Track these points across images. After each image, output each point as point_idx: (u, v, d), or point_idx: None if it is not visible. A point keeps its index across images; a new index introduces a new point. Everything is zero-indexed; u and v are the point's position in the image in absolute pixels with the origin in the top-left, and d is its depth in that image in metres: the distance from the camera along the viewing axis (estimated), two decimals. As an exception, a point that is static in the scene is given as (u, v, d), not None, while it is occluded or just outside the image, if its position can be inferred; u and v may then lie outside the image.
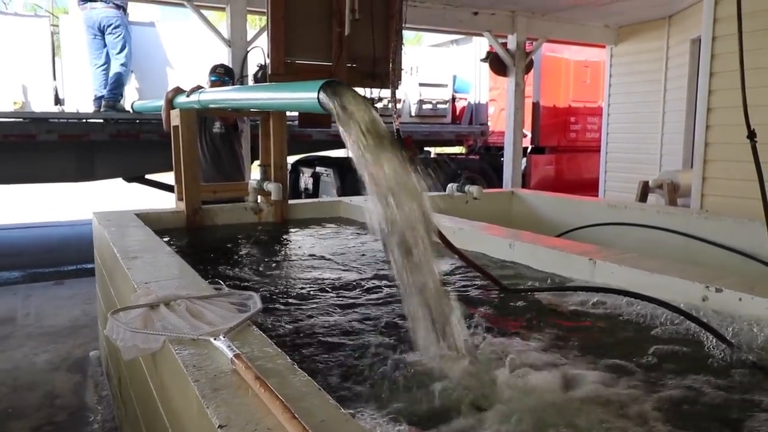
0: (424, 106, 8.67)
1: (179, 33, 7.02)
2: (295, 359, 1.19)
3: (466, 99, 9.43)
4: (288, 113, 3.99)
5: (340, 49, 3.63)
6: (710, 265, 2.77)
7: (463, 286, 2.19)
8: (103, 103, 6.11)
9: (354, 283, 2.30)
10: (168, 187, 6.41)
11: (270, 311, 1.92)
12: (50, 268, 5.78)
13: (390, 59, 3.65)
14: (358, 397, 1.32)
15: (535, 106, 9.70)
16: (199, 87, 3.58)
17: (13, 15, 6.79)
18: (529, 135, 9.58)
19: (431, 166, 8.05)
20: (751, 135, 2.45)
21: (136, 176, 6.76)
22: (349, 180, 7.32)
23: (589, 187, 9.01)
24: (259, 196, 3.63)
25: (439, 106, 8.80)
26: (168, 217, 3.36)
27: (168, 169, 4.30)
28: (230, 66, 5.16)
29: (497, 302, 2.03)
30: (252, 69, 5.76)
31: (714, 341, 1.58)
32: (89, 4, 6.09)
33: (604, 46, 8.21)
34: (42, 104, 6.28)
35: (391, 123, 3.17)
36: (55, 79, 6.54)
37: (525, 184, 8.85)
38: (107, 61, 6.17)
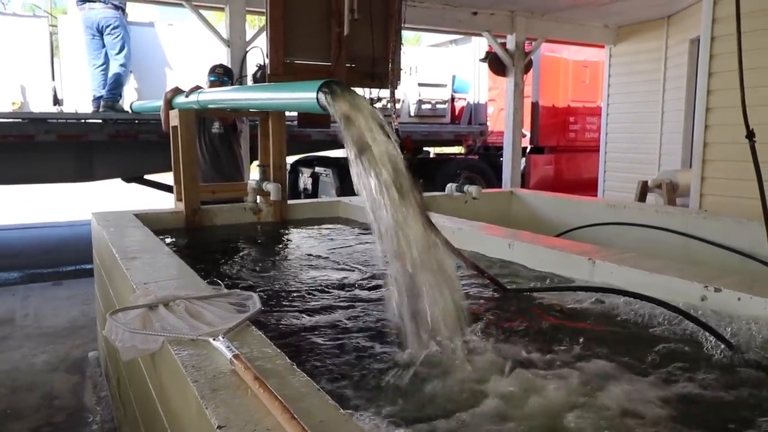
0: (423, 106, 8.67)
1: (178, 33, 7.02)
2: (294, 360, 1.19)
3: (465, 99, 9.43)
4: (287, 113, 3.98)
5: (339, 49, 3.63)
6: (709, 264, 2.77)
7: (463, 287, 2.19)
8: (102, 103, 6.11)
9: (353, 283, 2.30)
10: (167, 188, 6.40)
11: (269, 312, 1.91)
12: (49, 269, 5.78)
13: (389, 59, 3.65)
14: (355, 398, 1.32)
15: (534, 106, 9.71)
16: (198, 87, 3.58)
17: (12, 15, 6.79)
18: (528, 135, 9.59)
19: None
20: (750, 135, 2.45)
21: (134, 176, 6.76)
22: (348, 180, 7.31)
23: (588, 186, 9.02)
24: (258, 197, 3.63)
25: (438, 106, 8.81)
26: (167, 218, 3.36)
27: (167, 169, 4.29)
28: (229, 66, 5.16)
29: (496, 302, 2.03)
30: (251, 69, 5.76)
31: (713, 341, 1.58)
32: (88, 4, 6.09)
33: (603, 46, 8.22)
34: (41, 104, 6.27)
35: (391, 123, 3.17)
36: (53, 79, 6.53)
37: (524, 184, 8.85)
38: (106, 62, 6.16)
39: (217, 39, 5.56)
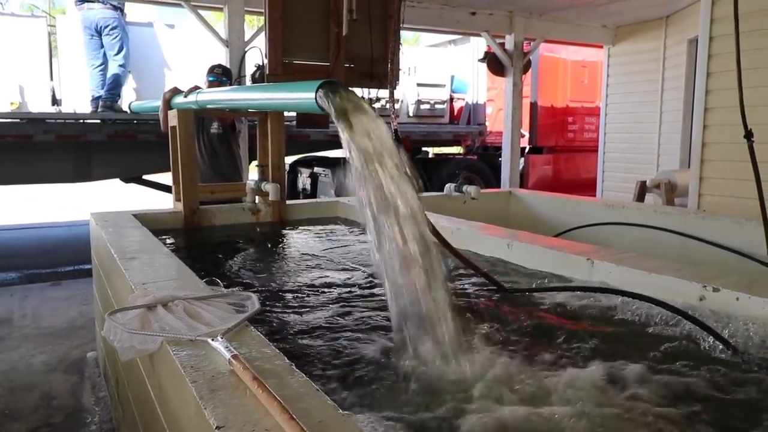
0: (422, 107, 8.68)
1: (177, 33, 7.01)
2: (293, 360, 1.19)
3: (463, 99, 9.44)
4: (286, 113, 3.98)
5: (338, 50, 3.63)
6: (708, 264, 2.77)
7: (461, 287, 2.19)
8: (101, 103, 6.10)
9: (352, 283, 2.30)
10: (165, 188, 6.40)
11: (268, 312, 1.91)
12: (47, 269, 5.77)
13: (388, 59, 3.65)
14: (354, 399, 1.32)
15: (533, 106, 9.71)
16: (196, 87, 3.57)
17: (10, 15, 6.77)
18: (527, 135, 9.59)
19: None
20: (748, 135, 2.46)
21: (133, 177, 6.75)
22: (346, 180, 7.31)
23: (586, 186, 9.03)
24: (256, 197, 3.63)
25: (437, 106, 8.81)
26: (165, 218, 3.35)
27: (165, 169, 4.29)
28: (228, 66, 5.16)
29: (495, 302, 2.03)
30: (250, 69, 5.76)
31: (712, 341, 1.58)
32: (86, 4, 6.09)
33: (601, 47, 8.23)
34: (39, 105, 6.27)
35: (390, 123, 3.17)
36: (52, 79, 6.53)
37: (523, 184, 8.85)
38: (104, 62, 6.16)
39: (216, 39, 5.56)
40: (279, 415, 0.92)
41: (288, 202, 3.73)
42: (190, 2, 5.49)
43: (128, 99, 6.37)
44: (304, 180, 8.56)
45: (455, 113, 9.35)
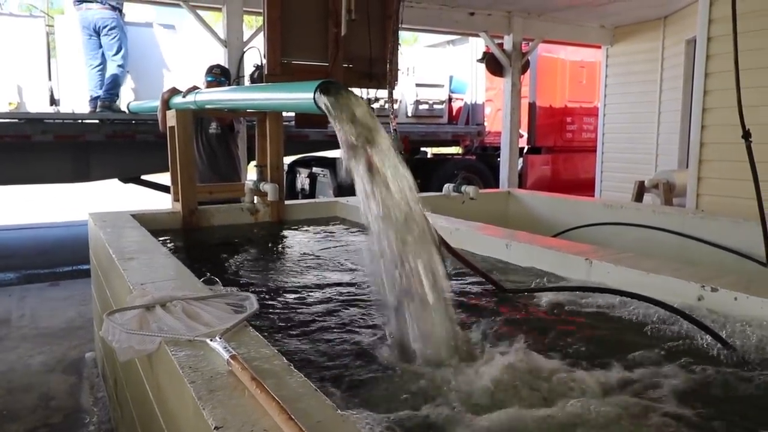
0: (421, 107, 8.68)
1: (175, 34, 7.01)
2: (292, 360, 1.19)
3: (462, 99, 9.44)
4: (285, 113, 3.98)
5: (337, 50, 3.63)
6: (706, 264, 2.77)
7: (460, 287, 2.20)
8: (99, 103, 6.10)
9: (351, 283, 2.30)
10: (164, 188, 6.40)
11: (267, 312, 1.91)
12: (45, 270, 5.76)
13: (387, 60, 3.66)
14: (353, 399, 1.32)
15: (532, 106, 9.72)
16: (195, 87, 3.57)
17: (8, 15, 6.77)
18: (526, 135, 9.60)
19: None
20: (746, 135, 2.46)
21: (132, 177, 6.75)
22: (345, 180, 7.31)
23: (585, 187, 9.04)
24: (255, 197, 3.62)
25: (435, 106, 8.81)
26: (164, 218, 3.35)
27: (164, 169, 4.29)
28: (226, 66, 5.15)
29: (494, 302, 2.04)
30: (248, 69, 5.76)
31: (710, 340, 1.58)
32: (85, 4, 6.08)
33: (600, 47, 8.24)
34: (37, 105, 6.26)
35: (388, 123, 3.17)
36: (50, 79, 6.53)
37: (521, 185, 8.86)
38: (103, 62, 6.16)
39: (215, 39, 5.55)
40: (277, 416, 0.92)
41: (287, 202, 3.73)
42: (189, 2, 5.49)
43: (127, 99, 6.37)
44: (302, 180, 8.56)
45: (454, 113, 9.36)
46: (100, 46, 6.14)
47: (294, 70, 3.58)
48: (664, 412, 1.26)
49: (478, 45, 8.98)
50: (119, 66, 6.14)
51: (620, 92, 7.93)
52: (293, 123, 5.82)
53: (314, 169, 8.26)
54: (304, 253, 2.86)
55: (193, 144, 3.50)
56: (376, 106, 5.57)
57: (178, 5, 5.59)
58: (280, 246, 3.25)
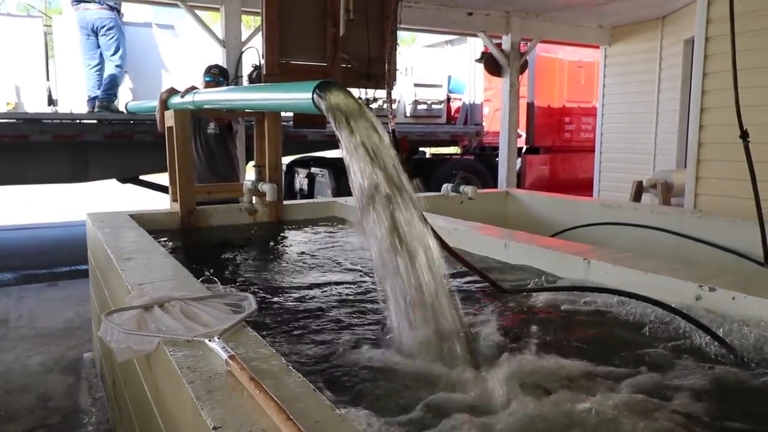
0: (419, 107, 8.68)
1: (174, 34, 7.00)
2: (290, 360, 1.19)
3: (461, 99, 9.45)
4: (283, 114, 3.98)
5: (335, 50, 3.63)
6: (704, 264, 2.78)
7: (459, 287, 2.20)
8: (97, 103, 6.09)
9: (350, 283, 2.30)
10: (162, 188, 6.39)
11: (265, 312, 1.91)
12: (43, 270, 5.75)
13: (386, 60, 3.65)
14: (352, 399, 1.32)
15: (530, 106, 9.73)
16: (193, 87, 3.57)
17: (6, 15, 6.74)
18: (524, 135, 9.61)
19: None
20: (744, 135, 2.47)
21: (130, 177, 6.74)
22: (344, 180, 7.31)
23: (583, 186, 9.04)
24: (254, 197, 3.62)
25: (434, 106, 8.81)
26: (162, 218, 3.35)
27: (162, 170, 4.28)
28: (225, 66, 5.15)
29: (492, 302, 2.04)
30: (247, 69, 5.76)
31: (709, 340, 1.58)
32: (83, 5, 6.07)
33: (598, 47, 8.25)
34: (35, 105, 6.25)
35: (387, 123, 3.17)
36: (48, 79, 6.51)
37: (520, 184, 8.86)
38: (101, 62, 6.15)
39: (213, 39, 5.55)
40: (276, 416, 0.92)
41: (285, 202, 3.73)
42: (187, 2, 5.48)
43: (125, 99, 6.36)
44: (301, 180, 8.56)
45: (452, 113, 9.36)
46: (98, 46, 6.13)
47: (292, 70, 3.57)
48: (663, 411, 1.26)
49: (476, 45, 8.98)
50: (117, 66, 6.13)
51: (618, 92, 7.94)
52: (291, 123, 5.81)
53: (313, 170, 8.26)
54: (303, 253, 2.86)
55: (191, 144, 3.50)
56: (374, 106, 5.58)
57: (176, 5, 5.59)
58: (279, 246, 3.25)
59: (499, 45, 7.22)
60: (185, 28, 6.98)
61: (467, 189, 4.11)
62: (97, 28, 6.06)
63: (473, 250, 2.66)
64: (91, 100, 6.16)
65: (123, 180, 6.78)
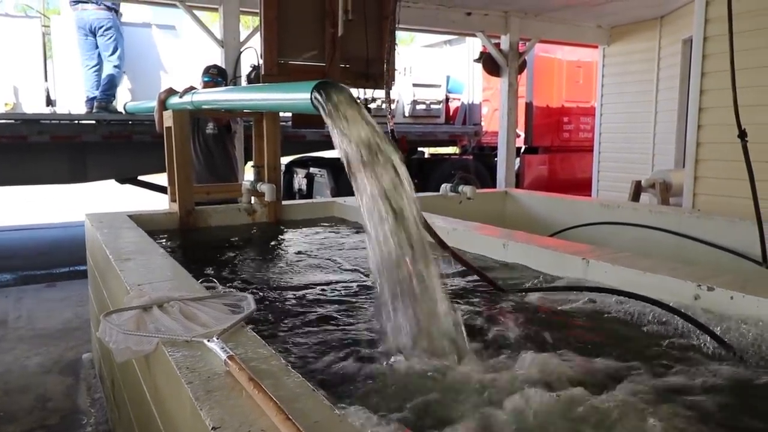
0: (418, 107, 8.68)
1: (172, 34, 6.99)
2: (289, 360, 1.19)
3: (459, 99, 9.45)
4: (282, 114, 3.98)
5: (334, 50, 3.63)
6: (702, 264, 2.78)
7: (457, 287, 2.20)
8: (96, 104, 6.09)
9: (348, 283, 2.30)
10: (161, 189, 6.39)
11: (264, 312, 1.91)
12: (42, 270, 5.75)
13: (384, 60, 3.66)
14: (350, 399, 1.32)
15: (528, 106, 9.73)
16: (192, 88, 3.57)
17: (4, 16, 6.74)
18: (523, 135, 9.61)
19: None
20: (742, 134, 2.47)
21: (128, 177, 6.74)
22: (342, 180, 7.32)
23: (582, 186, 9.05)
24: (252, 197, 3.62)
25: (432, 106, 8.82)
26: (161, 219, 3.35)
27: (161, 170, 4.28)
28: (223, 67, 5.15)
29: (491, 302, 2.04)
30: (245, 70, 5.76)
31: (707, 339, 1.59)
32: (80, 5, 6.07)
33: (596, 47, 8.25)
34: (33, 105, 6.24)
35: (386, 123, 3.18)
36: (46, 80, 6.51)
37: (518, 184, 8.87)
38: (99, 62, 6.15)
39: (211, 39, 5.55)
40: (275, 416, 0.92)
41: (284, 202, 3.72)
42: (185, 2, 5.48)
43: (123, 100, 6.36)
44: (300, 180, 8.56)
45: (451, 113, 9.37)
46: (97, 47, 6.13)
47: (291, 70, 3.57)
48: (662, 409, 1.26)
49: (475, 45, 8.99)
50: (115, 66, 6.13)
51: (617, 92, 7.94)
52: (290, 123, 5.82)
53: (311, 170, 8.26)
54: (302, 253, 2.86)
55: (190, 144, 3.50)
56: (373, 106, 5.57)
57: (174, 5, 5.59)
58: (278, 246, 3.24)
59: (497, 45, 7.23)
60: (185, 28, 6.98)
61: (466, 189, 4.11)
62: (95, 28, 6.06)
63: (472, 250, 2.66)
64: (90, 100, 6.16)
65: (121, 180, 6.78)
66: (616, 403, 1.29)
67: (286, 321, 1.87)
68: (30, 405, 2.90)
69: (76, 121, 6.07)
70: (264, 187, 3.44)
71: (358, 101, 1.58)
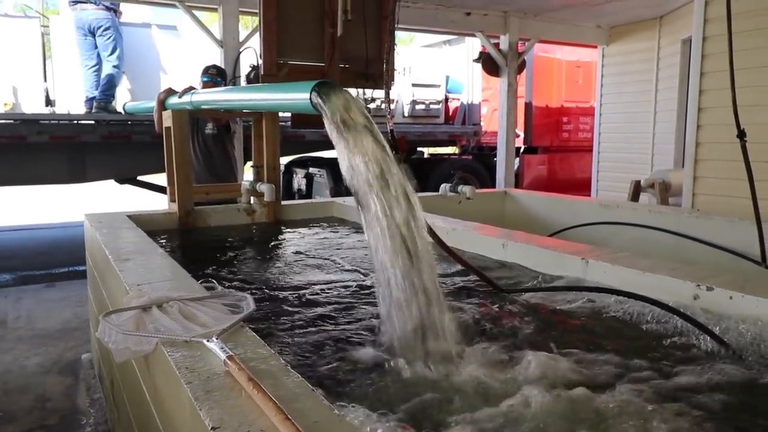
0: (417, 107, 8.68)
1: (172, 34, 6.99)
2: (289, 360, 1.19)
3: (458, 99, 9.45)
4: (281, 114, 3.98)
5: (333, 50, 3.63)
6: (701, 264, 2.78)
7: (457, 287, 2.20)
8: (95, 104, 6.08)
9: (347, 283, 2.30)
10: (160, 189, 6.38)
11: (263, 312, 1.91)
12: (41, 271, 5.74)
13: (384, 60, 3.66)
14: (349, 399, 1.32)
15: (528, 106, 9.74)
16: (191, 88, 3.57)
17: (3, 16, 6.73)
18: (522, 135, 9.61)
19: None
20: (741, 134, 2.47)
21: (128, 178, 6.73)
22: (342, 180, 7.31)
23: (581, 186, 9.05)
24: (252, 197, 3.62)
25: (432, 106, 8.81)
26: (160, 219, 3.35)
27: (160, 170, 4.28)
28: (222, 67, 5.15)
29: (490, 302, 2.04)
30: (244, 70, 5.76)
31: (706, 338, 1.59)
32: (79, 5, 6.07)
33: (595, 47, 8.26)
34: (33, 105, 6.24)
35: (385, 124, 3.17)
36: (45, 80, 6.50)
37: (518, 184, 8.88)
38: (98, 62, 6.14)
39: (211, 40, 5.55)
40: (274, 416, 0.92)
41: (283, 202, 3.72)
42: (185, 3, 5.48)
43: (122, 100, 6.35)
44: (299, 180, 8.55)
45: (450, 113, 9.36)
46: (96, 47, 6.12)
47: (290, 70, 3.57)
48: (661, 408, 1.26)
49: (474, 45, 8.98)
50: (114, 66, 6.12)
51: (616, 92, 7.95)
52: (289, 123, 5.81)
53: (311, 170, 8.26)
54: (301, 254, 2.86)
55: (189, 144, 3.50)
56: (372, 106, 5.58)
57: (173, 6, 5.59)
58: (277, 246, 3.24)
59: (497, 45, 7.23)
60: (185, 28, 6.98)
61: (465, 189, 4.11)
62: (94, 28, 6.06)
63: (471, 250, 2.66)
64: (89, 100, 6.15)
65: (121, 181, 6.77)
66: (615, 403, 1.29)
67: (285, 321, 1.87)
68: (29, 405, 2.90)
69: (76, 122, 6.06)
70: (263, 187, 3.44)
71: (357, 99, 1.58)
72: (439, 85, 8.98)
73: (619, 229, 3.48)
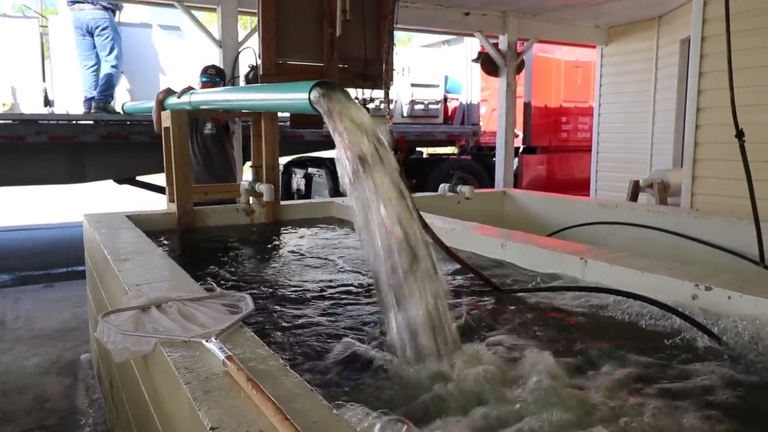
0: (416, 107, 8.68)
1: (170, 34, 6.99)
2: (287, 360, 1.19)
3: (457, 99, 9.45)
4: (280, 114, 3.98)
5: (332, 50, 3.63)
6: (700, 263, 2.78)
7: (456, 287, 2.20)
8: (93, 104, 6.08)
9: (347, 283, 2.30)
10: (159, 189, 6.38)
11: (262, 313, 1.91)
12: (40, 271, 5.74)
13: (383, 60, 3.65)
14: (348, 399, 1.32)
15: (527, 106, 9.74)
16: (190, 88, 3.57)
17: (2, 16, 6.72)
18: (521, 135, 9.61)
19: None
20: (739, 134, 2.48)
21: (126, 178, 6.73)
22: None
23: (580, 186, 9.06)
24: (251, 198, 3.62)
25: (431, 106, 8.82)
26: (159, 219, 3.35)
27: (159, 170, 4.28)
28: (221, 67, 5.15)
29: (489, 302, 2.04)
30: (243, 70, 5.76)
31: (705, 338, 1.59)
32: (77, 5, 6.06)
33: (594, 47, 8.26)
34: (31, 106, 6.23)
35: (384, 124, 3.17)
36: (44, 80, 6.50)
37: (517, 184, 8.87)
38: (97, 62, 6.14)
39: (209, 40, 5.55)
40: (273, 416, 0.92)
41: (282, 202, 3.72)
42: (184, 3, 5.48)
43: (121, 100, 6.35)
44: (298, 180, 8.55)
45: (449, 113, 9.36)
46: (94, 47, 6.12)
47: (289, 70, 3.57)
48: (661, 407, 1.27)
49: (473, 45, 8.99)
50: (113, 66, 6.12)
51: (615, 92, 7.95)
52: (288, 123, 5.81)
53: (310, 170, 8.26)
54: (300, 254, 2.86)
55: (188, 144, 3.50)
56: (371, 106, 5.57)
57: (172, 6, 5.58)
58: (276, 246, 3.24)
59: (495, 45, 7.23)
60: (184, 28, 6.98)
61: (464, 189, 4.12)
62: (92, 28, 6.05)
63: (470, 250, 2.67)
64: (88, 101, 6.15)
65: (120, 181, 6.77)
66: (615, 402, 1.29)
67: (284, 321, 1.87)
68: (28, 405, 2.90)
69: (74, 122, 6.05)
70: (262, 187, 3.44)
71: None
72: (438, 85, 8.98)
73: (617, 229, 3.48)
